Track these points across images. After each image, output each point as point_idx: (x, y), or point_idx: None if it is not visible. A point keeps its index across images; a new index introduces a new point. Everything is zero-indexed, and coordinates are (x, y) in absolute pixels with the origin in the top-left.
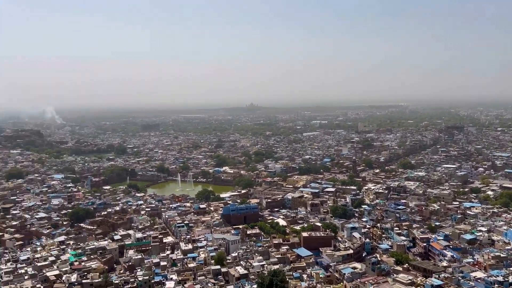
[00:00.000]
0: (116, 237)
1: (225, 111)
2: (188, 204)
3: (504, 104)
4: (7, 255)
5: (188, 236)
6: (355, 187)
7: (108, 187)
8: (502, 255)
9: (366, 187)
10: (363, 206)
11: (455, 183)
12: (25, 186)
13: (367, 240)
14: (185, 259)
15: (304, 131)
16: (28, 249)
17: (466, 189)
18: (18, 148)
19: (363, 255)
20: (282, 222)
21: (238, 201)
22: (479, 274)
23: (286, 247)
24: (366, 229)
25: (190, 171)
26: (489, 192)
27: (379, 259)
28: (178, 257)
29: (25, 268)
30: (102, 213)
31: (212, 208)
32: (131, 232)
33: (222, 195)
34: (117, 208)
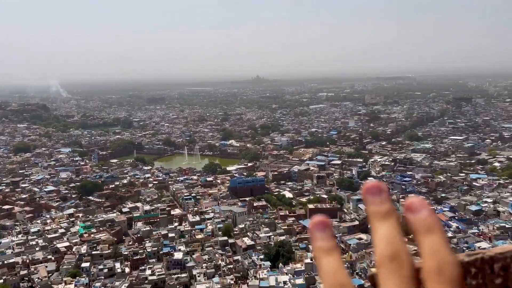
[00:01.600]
0: (124, 210)
1: (231, 84)
2: (195, 177)
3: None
4: (18, 227)
5: (196, 208)
6: (361, 160)
7: (115, 160)
8: (507, 226)
9: (372, 159)
10: (369, 178)
11: (461, 154)
12: (33, 160)
13: None
14: (193, 231)
15: (311, 104)
16: (38, 221)
17: (473, 161)
18: (24, 122)
19: (369, 227)
20: (288, 195)
21: (245, 174)
22: (484, 244)
23: (292, 218)
24: None
25: (197, 144)
26: (496, 164)
27: None
28: (186, 228)
29: (36, 240)
30: (110, 186)
31: (219, 181)
32: (139, 204)
33: (228, 168)
34: (125, 181)
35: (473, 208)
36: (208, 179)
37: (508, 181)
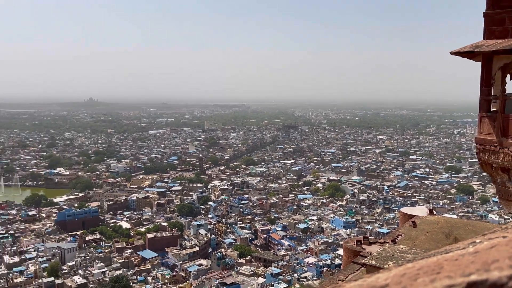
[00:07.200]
0: None
1: (59, 106)
2: (13, 212)
3: (330, 105)
4: None
5: (14, 248)
6: (201, 185)
7: None
8: (329, 241)
9: (212, 184)
10: (209, 203)
11: (291, 177)
12: None
13: (213, 236)
14: (10, 274)
15: (150, 129)
16: None
17: (300, 182)
18: None
19: (209, 251)
20: (125, 225)
21: (75, 205)
22: (311, 259)
23: (130, 250)
24: (212, 225)
25: (16, 173)
26: (319, 185)
27: (224, 253)
28: (1, 272)
29: None
30: None
31: (44, 215)
32: None
33: (56, 200)
34: None
35: (302, 226)
36: (31, 213)
37: (329, 199)
